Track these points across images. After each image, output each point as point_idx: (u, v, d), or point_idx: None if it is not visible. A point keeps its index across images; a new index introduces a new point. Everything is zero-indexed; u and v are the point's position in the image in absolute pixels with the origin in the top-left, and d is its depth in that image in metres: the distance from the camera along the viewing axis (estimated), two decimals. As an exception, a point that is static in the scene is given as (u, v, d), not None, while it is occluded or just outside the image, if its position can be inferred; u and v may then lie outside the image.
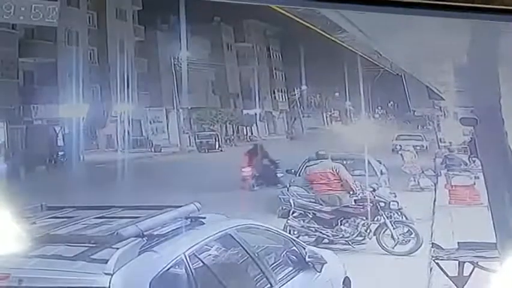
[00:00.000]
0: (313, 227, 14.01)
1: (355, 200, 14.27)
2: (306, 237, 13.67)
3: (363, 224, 13.84)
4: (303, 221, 14.11)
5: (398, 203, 14.13)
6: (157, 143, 42.06)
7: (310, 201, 14.49)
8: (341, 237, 13.82)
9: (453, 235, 12.47)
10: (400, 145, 30.59)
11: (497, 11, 1.63)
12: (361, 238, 13.78)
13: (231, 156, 35.60)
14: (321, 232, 13.93)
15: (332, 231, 13.89)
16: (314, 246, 13.22)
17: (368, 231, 13.80)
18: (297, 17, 2.47)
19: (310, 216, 14.14)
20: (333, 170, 14.86)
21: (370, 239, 13.67)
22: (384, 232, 13.64)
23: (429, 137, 36.07)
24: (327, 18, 2.39)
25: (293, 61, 49.99)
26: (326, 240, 13.82)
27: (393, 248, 13.48)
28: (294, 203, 14.21)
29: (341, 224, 13.91)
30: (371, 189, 14.51)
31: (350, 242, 13.82)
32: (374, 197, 14.17)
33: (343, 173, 14.86)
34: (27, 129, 35.25)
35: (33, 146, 34.54)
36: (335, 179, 14.85)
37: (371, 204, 14.00)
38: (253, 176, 19.41)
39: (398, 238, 13.51)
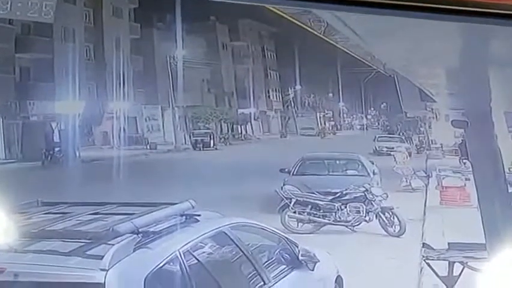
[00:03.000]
0: (313, 213, 14.42)
1: (348, 199, 14.48)
2: (306, 224, 14.19)
3: (361, 210, 14.47)
4: (303, 211, 14.51)
5: (386, 195, 14.81)
6: (153, 141, 42.03)
7: (307, 195, 14.95)
8: (339, 221, 14.46)
9: (444, 235, 12.52)
10: (385, 147, 30.97)
11: (492, 15, 1.70)
12: (358, 223, 14.56)
13: (226, 155, 35.62)
14: (321, 218, 14.40)
15: (332, 217, 14.45)
16: (313, 233, 13.80)
17: (366, 215, 14.52)
18: (292, 17, 2.54)
19: (310, 207, 14.54)
20: None
21: (368, 222, 14.55)
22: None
23: (415, 138, 36.35)
24: (322, 19, 2.46)
25: (288, 61, 50.08)
26: (325, 227, 14.36)
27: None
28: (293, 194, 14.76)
29: (340, 210, 14.46)
30: (364, 189, 14.62)
31: (349, 227, 14.52)
32: (366, 196, 14.37)
33: None
34: (24, 124, 35.15)
35: (30, 141, 34.41)
36: None
37: (363, 203, 14.29)
38: None
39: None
